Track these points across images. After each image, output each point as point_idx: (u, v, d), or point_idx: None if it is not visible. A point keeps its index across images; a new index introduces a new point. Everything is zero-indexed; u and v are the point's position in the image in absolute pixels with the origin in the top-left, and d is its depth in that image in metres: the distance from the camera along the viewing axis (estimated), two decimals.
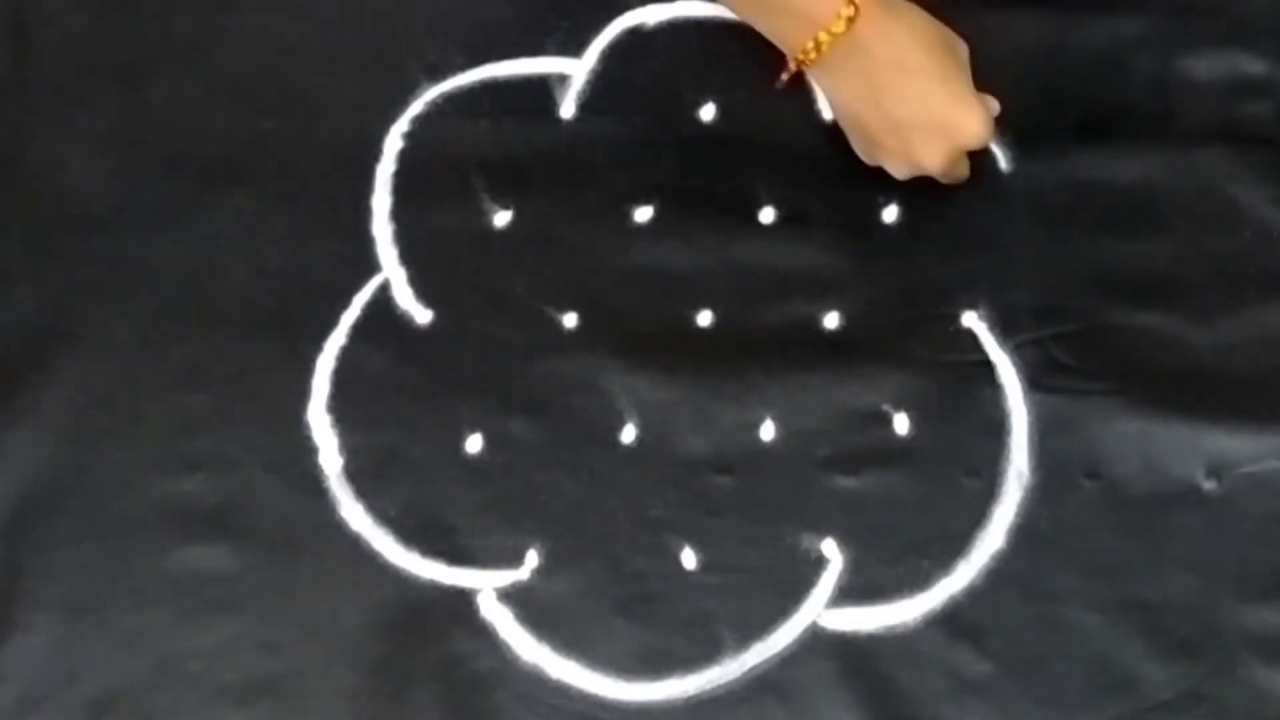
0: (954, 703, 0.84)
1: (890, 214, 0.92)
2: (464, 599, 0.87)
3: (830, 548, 0.87)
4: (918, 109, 0.86)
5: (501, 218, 0.94)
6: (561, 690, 0.85)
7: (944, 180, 0.90)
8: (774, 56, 0.88)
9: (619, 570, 0.87)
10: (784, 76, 0.88)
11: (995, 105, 0.90)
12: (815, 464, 0.88)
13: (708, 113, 0.95)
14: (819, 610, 0.86)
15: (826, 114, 0.94)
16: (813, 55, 0.85)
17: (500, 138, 0.92)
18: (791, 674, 0.85)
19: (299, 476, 0.89)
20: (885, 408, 0.89)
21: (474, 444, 0.90)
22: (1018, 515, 0.87)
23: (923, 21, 0.87)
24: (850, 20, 0.84)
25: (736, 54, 0.95)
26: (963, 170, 0.90)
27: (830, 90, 0.89)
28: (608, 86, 0.96)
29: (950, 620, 0.85)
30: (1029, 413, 0.88)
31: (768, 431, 0.89)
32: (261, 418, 0.90)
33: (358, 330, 0.92)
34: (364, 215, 0.94)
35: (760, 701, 0.85)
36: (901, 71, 0.85)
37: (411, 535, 0.88)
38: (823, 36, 0.84)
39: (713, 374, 0.90)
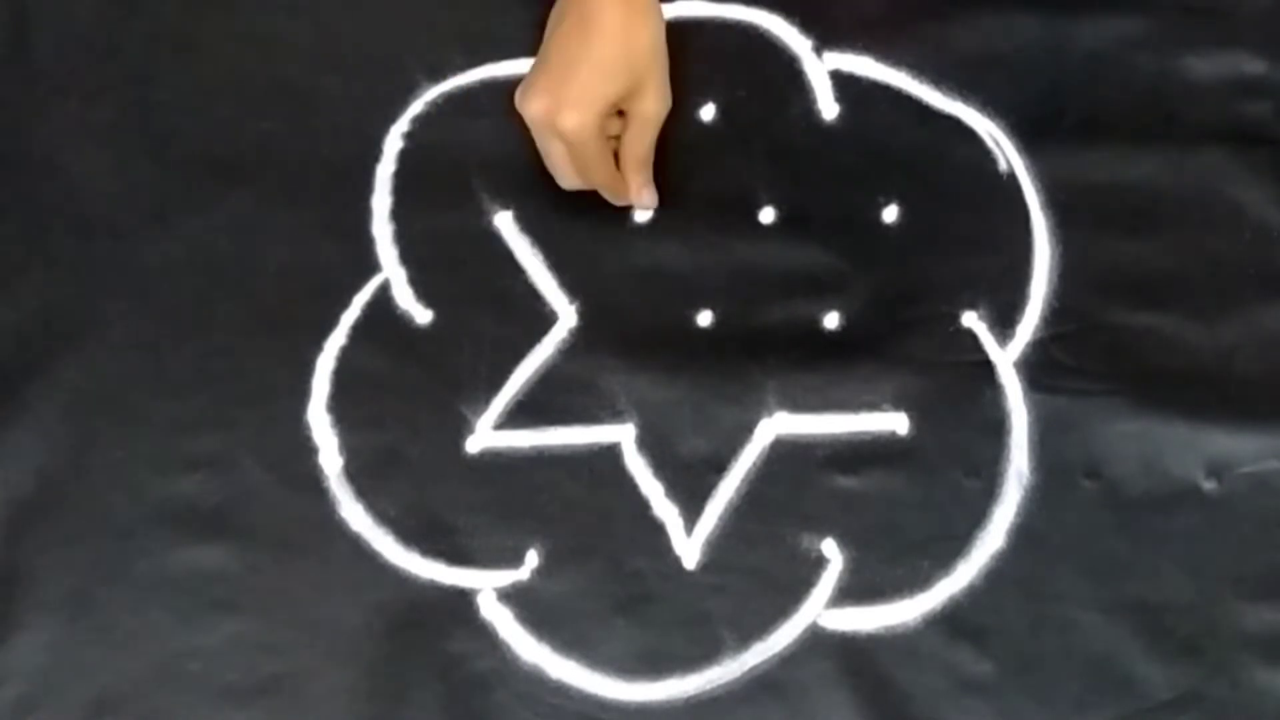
0: (954, 703, 0.84)
1: (890, 214, 0.92)
2: (464, 599, 0.87)
3: (830, 548, 0.87)
4: (565, 66, 0.86)
5: (501, 218, 0.94)
6: (561, 690, 0.85)
7: (548, 156, 0.89)
8: (771, 56, 0.88)
9: (619, 570, 0.87)
10: None
11: (651, 198, 0.91)
12: (815, 464, 0.88)
13: (708, 113, 0.95)
14: (819, 610, 0.86)
15: (826, 114, 0.94)
16: None
17: (500, 138, 0.92)
18: (791, 674, 0.85)
19: (299, 476, 0.89)
20: (885, 408, 0.89)
21: (474, 444, 0.90)
22: (1018, 515, 0.87)
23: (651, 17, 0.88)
24: None
25: (736, 54, 0.95)
26: (555, 153, 0.88)
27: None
28: None
29: (950, 620, 0.85)
30: (1029, 413, 0.88)
31: (767, 431, 0.89)
32: (261, 418, 0.90)
33: (358, 330, 0.92)
34: (364, 215, 0.93)
35: (760, 701, 0.85)
36: (587, 32, 0.86)
37: (411, 535, 0.88)
38: None
39: (713, 374, 0.90)
